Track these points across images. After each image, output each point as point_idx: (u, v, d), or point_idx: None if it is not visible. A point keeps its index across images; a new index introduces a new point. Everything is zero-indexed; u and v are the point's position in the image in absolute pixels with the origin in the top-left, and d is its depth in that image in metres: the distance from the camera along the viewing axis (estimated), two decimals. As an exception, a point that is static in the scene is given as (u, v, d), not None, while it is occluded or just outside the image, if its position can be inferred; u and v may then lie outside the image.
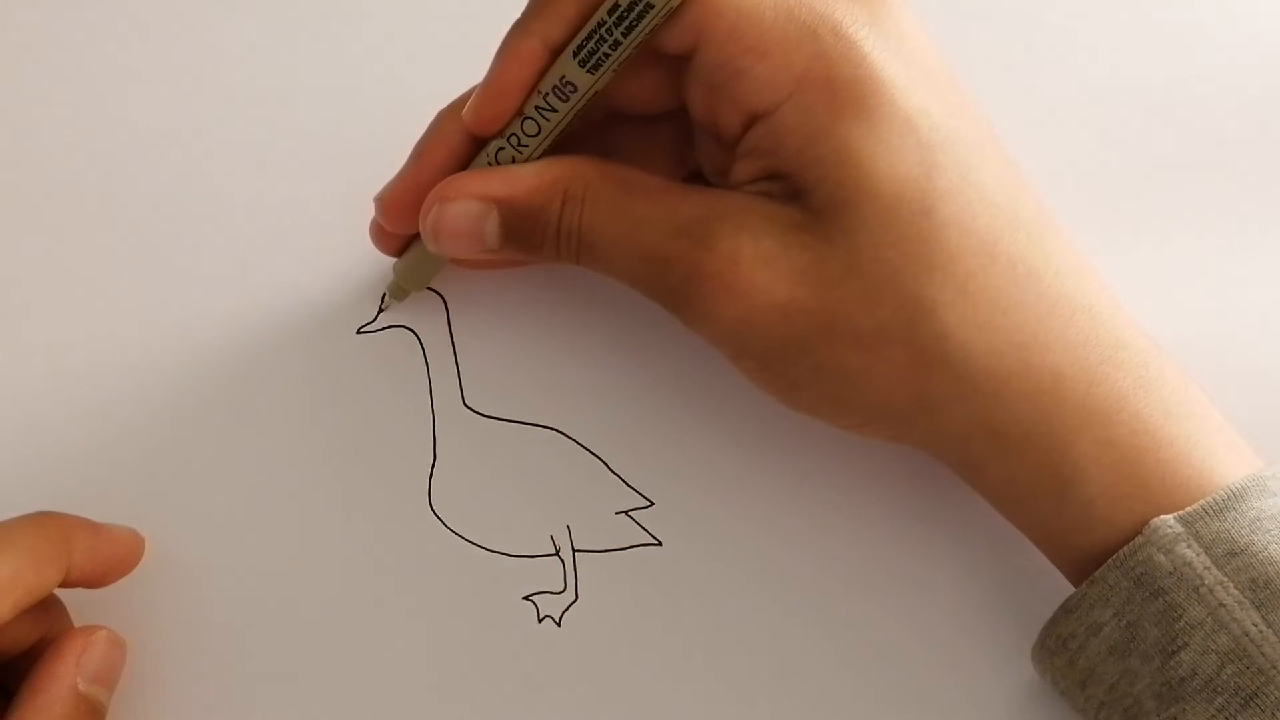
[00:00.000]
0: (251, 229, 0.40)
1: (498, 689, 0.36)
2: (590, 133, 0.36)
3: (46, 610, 0.34)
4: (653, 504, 0.38)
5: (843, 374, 0.32)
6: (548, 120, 0.34)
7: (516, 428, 0.38)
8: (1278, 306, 0.39)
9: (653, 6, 0.31)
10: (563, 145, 0.34)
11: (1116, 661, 0.31)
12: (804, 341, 0.32)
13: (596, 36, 0.32)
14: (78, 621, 0.35)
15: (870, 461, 0.37)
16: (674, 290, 0.33)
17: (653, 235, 0.33)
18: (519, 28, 0.33)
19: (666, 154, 0.37)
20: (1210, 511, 0.30)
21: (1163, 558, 0.30)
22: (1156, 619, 0.30)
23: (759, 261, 0.32)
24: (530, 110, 0.34)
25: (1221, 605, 0.30)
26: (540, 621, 0.37)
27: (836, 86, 0.31)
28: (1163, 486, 0.31)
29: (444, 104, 0.36)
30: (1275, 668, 0.29)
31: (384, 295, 0.39)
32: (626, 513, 0.38)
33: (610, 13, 0.32)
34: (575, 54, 0.33)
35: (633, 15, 0.32)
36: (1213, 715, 0.29)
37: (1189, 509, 0.31)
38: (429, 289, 0.39)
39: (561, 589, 0.37)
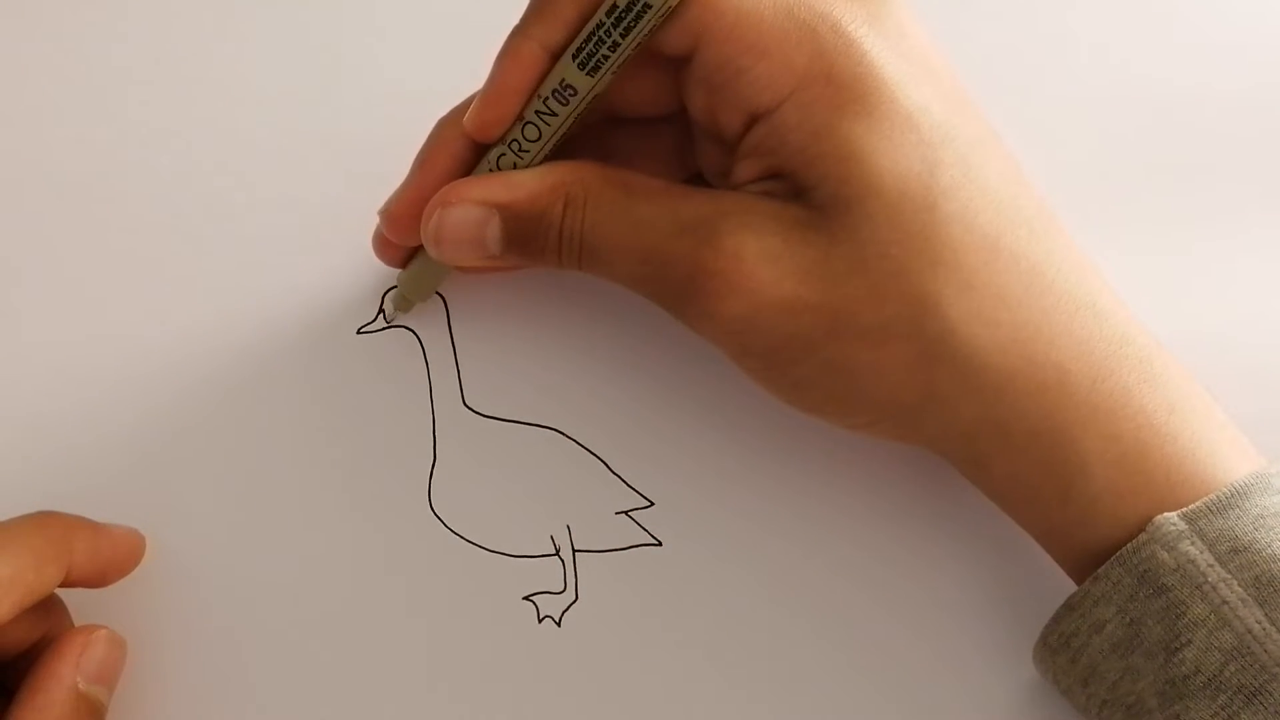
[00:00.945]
0: (252, 229, 0.40)
1: (498, 689, 0.36)
2: (589, 137, 0.36)
3: (47, 610, 0.34)
4: (653, 504, 0.38)
5: (848, 371, 0.32)
6: (548, 125, 0.34)
7: (516, 428, 0.38)
8: (1278, 307, 0.39)
9: (650, 7, 0.31)
10: (562, 150, 0.34)
11: (1119, 659, 0.31)
12: (808, 339, 0.32)
13: (595, 38, 0.32)
14: (78, 621, 0.35)
15: (870, 462, 0.37)
16: (677, 289, 0.33)
17: (655, 235, 0.33)
18: (518, 32, 0.33)
19: (666, 157, 0.37)
20: (1214, 509, 0.30)
21: (1166, 555, 0.30)
22: (1159, 616, 0.30)
23: (763, 258, 0.31)
24: (530, 115, 0.34)
25: (1225, 603, 0.30)
26: (540, 621, 0.37)
27: (838, 84, 0.31)
28: (1168, 482, 0.31)
29: (444, 105, 0.36)
30: (1278, 665, 0.29)
31: (384, 295, 0.39)
32: (626, 513, 0.38)
33: (609, 14, 0.32)
34: (574, 56, 0.33)
35: (630, 16, 0.32)
36: (1215, 713, 0.29)
37: (1192, 506, 0.31)
38: (429, 289, 0.39)
39: (561, 589, 0.37)
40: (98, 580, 0.35)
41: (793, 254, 0.31)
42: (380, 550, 0.37)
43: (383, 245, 0.38)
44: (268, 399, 0.39)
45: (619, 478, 0.38)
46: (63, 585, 0.34)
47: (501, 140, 0.34)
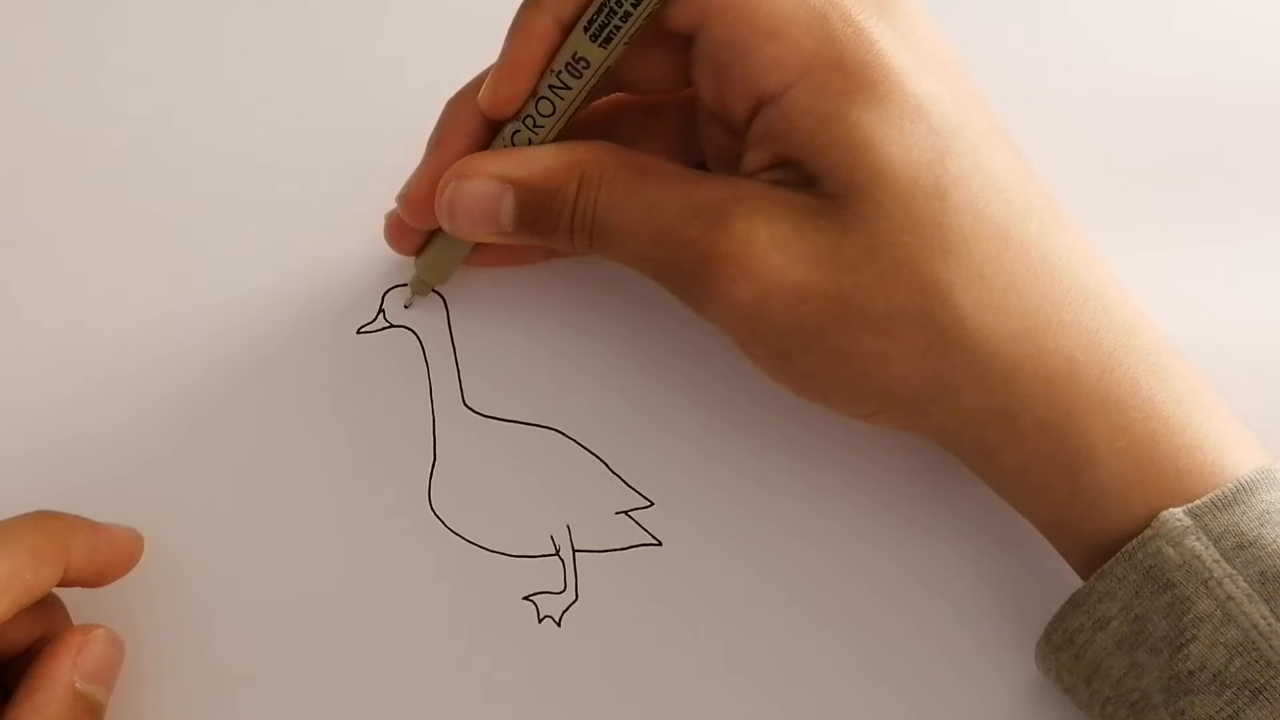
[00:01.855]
0: (252, 229, 0.40)
1: (498, 689, 0.36)
2: (596, 123, 0.36)
3: (45, 609, 0.34)
4: (653, 504, 0.38)
5: (857, 359, 0.32)
6: (561, 99, 0.34)
7: (516, 428, 0.38)
8: (1278, 306, 0.39)
9: None
10: (569, 137, 0.34)
11: (1124, 655, 0.31)
12: (818, 326, 0.32)
13: (607, 9, 0.32)
14: (76, 620, 0.35)
15: (872, 459, 0.37)
16: (688, 273, 0.33)
17: (667, 218, 0.33)
18: (529, 6, 0.33)
19: (671, 144, 0.37)
20: (1219, 504, 0.30)
21: (1171, 550, 0.30)
22: (1165, 612, 0.30)
23: (774, 244, 0.31)
24: (544, 90, 0.34)
25: (1230, 598, 0.30)
26: (540, 621, 0.37)
27: (847, 71, 0.31)
28: (1175, 473, 0.31)
29: (445, 105, 0.36)
30: (1284, 661, 0.29)
31: (384, 295, 0.39)
32: (626, 513, 0.38)
33: None
34: (586, 28, 0.33)
35: None
36: (1221, 708, 0.29)
37: (1198, 502, 0.31)
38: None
39: (561, 589, 0.37)
40: (96, 580, 0.35)
41: (804, 241, 0.31)
42: (380, 550, 0.37)
43: (397, 233, 0.38)
44: (268, 399, 0.39)
45: (619, 478, 0.38)
46: (61, 585, 0.33)
47: (516, 116, 0.34)
